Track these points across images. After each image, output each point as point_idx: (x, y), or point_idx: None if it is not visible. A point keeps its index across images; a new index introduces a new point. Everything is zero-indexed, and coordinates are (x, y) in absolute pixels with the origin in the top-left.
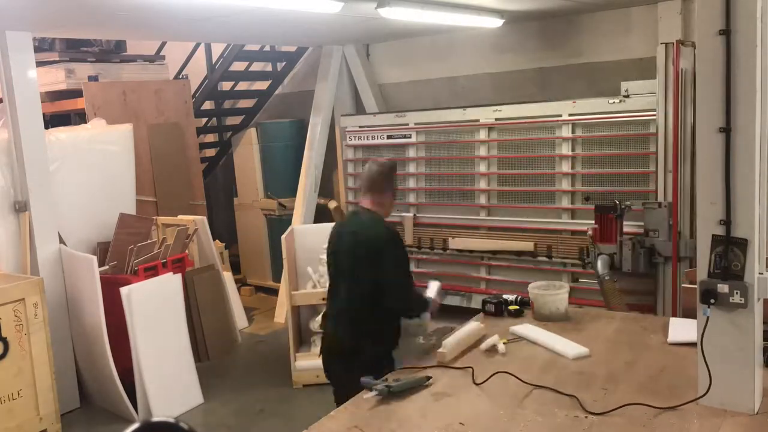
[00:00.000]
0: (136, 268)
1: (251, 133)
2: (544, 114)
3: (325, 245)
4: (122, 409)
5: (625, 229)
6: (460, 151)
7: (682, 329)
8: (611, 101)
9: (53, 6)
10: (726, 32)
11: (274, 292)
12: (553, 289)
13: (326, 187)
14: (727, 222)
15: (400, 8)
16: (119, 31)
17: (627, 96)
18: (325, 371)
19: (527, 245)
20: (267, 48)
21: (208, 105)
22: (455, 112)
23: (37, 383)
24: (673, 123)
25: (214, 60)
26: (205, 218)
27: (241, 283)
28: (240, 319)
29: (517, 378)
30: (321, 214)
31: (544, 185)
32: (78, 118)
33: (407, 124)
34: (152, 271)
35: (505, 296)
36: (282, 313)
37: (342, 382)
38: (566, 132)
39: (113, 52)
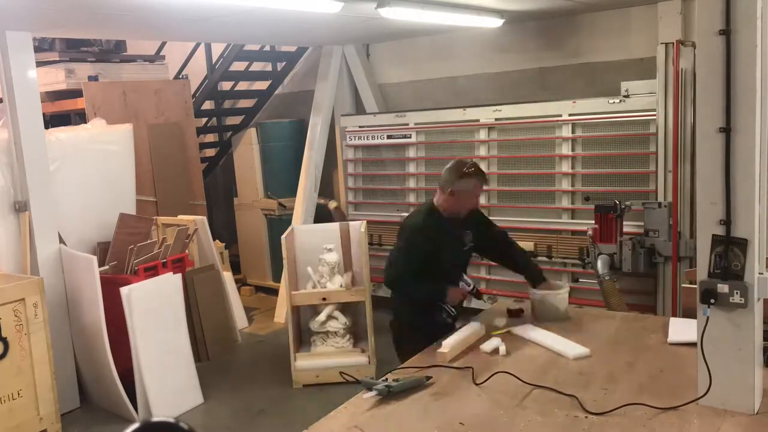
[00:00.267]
0: (136, 268)
1: (251, 133)
2: (544, 114)
3: (325, 245)
4: (122, 409)
5: (625, 229)
6: (460, 151)
7: (682, 329)
8: (611, 101)
9: (53, 6)
10: (726, 32)
11: (274, 292)
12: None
13: (326, 187)
14: (727, 222)
15: (400, 8)
16: (119, 31)
17: (627, 96)
18: None
19: (527, 245)
20: (267, 48)
21: (208, 105)
22: (455, 112)
23: (37, 383)
24: (673, 123)
25: (214, 60)
26: (205, 218)
27: (241, 283)
28: (240, 319)
29: (517, 378)
30: (321, 214)
31: (544, 185)
32: (78, 118)
33: (407, 124)
34: (152, 271)
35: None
36: (282, 313)
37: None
38: (566, 132)
39: (113, 52)
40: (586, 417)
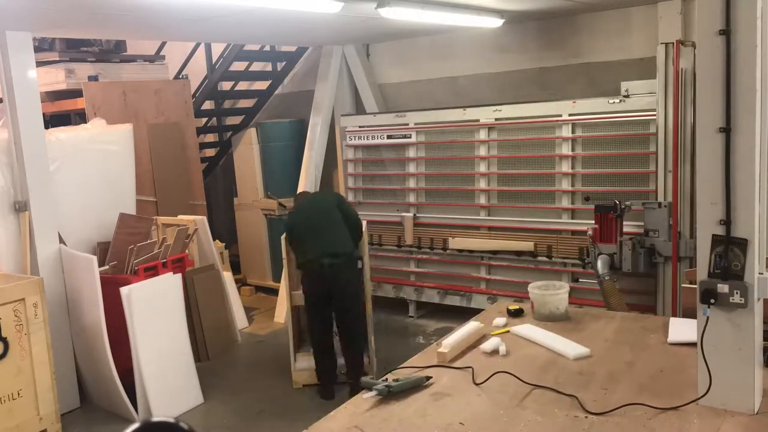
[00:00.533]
0: (136, 268)
1: (251, 133)
2: (544, 114)
3: None
4: (122, 409)
5: (625, 229)
6: (460, 151)
7: (682, 329)
8: (611, 101)
9: (53, 6)
10: (726, 32)
11: (274, 292)
12: (553, 289)
13: (326, 187)
14: (727, 222)
15: (400, 8)
16: (119, 31)
17: (627, 96)
18: None
19: (527, 245)
20: (267, 48)
21: (208, 105)
22: (455, 112)
23: (37, 383)
24: (673, 123)
25: (214, 60)
26: (205, 218)
27: (241, 283)
28: (240, 319)
29: (517, 378)
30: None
31: (544, 185)
32: (78, 118)
33: (407, 124)
34: (152, 271)
35: None
36: (282, 313)
37: None
38: (566, 132)
39: (113, 52)
40: (586, 417)
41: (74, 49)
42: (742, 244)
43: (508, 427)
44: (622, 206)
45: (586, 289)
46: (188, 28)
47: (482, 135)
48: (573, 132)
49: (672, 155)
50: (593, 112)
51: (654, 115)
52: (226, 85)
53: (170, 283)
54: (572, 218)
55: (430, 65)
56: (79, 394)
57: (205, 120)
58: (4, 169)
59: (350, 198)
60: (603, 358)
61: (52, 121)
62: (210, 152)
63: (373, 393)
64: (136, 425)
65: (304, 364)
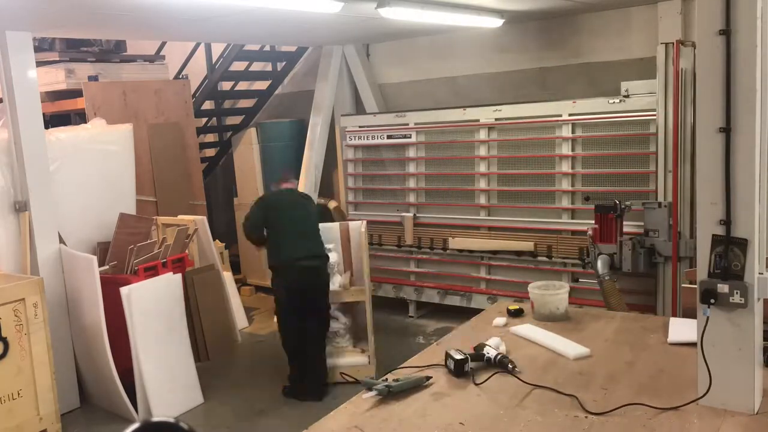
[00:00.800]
0: (136, 268)
1: (251, 133)
2: (544, 114)
3: (325, 245)
4: (122, 409)
5: (625, 229)
6: (460, 151)
7: (682, 329)
8: (611, 101)
9: (53, 6)
10: (726, 32)
11: None
12: (553, 289)
13: (326, 187)
14: (727, 222)
15: (400, 8)
16: (119, 31)
17: (627, 96)
18: None
19: (527, 245)
20: (267, 48)
21: (208, 105)
22: (455, 112)
23: (37, 383)
24: (673, 123)
25: (214, 60)
26: (205, 218)
27: (241, 283)
28: (240, 319)
29: (517, 378)
30: (321, 214)
31: (544, 185)
32: (78, 118)
33: (407, 124)
34: (152, 271)
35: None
36: None
37: None
38: (566, 132)
39: (113, 52)
40: (586, 417)
41: (74, 49)
42: (742, 244)
43: (508, 427)
44: (622, 206)
45: (586, 289)
46: (188, 28)
47: (482, 135)
48: (573, 132)
49: (672, 155)
50: (593, 112)
51: (654, 115)
52: (226, 85)
53: (170, 283)
54: (572, 218)
55: (430, 65)
56: (79, 394)
57: (205, 120)
58: (4, 169)
59: (350, 198)
60: (603, 358)
61: (52, 121)
62: (210, 152)
63: (373, 393)
64: (136, 425)
65: None
